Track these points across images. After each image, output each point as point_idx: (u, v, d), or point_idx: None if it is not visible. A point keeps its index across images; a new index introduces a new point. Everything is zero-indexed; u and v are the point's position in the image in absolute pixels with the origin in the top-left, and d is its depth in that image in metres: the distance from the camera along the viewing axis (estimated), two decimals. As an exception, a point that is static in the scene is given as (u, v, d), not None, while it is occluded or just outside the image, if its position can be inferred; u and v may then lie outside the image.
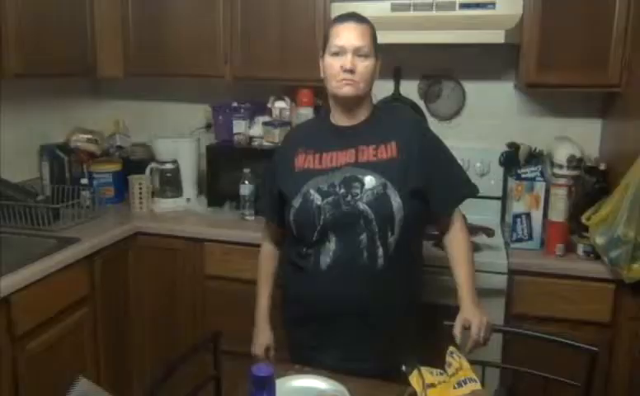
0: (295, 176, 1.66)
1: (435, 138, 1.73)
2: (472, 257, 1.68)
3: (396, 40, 2.32)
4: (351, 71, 1.56)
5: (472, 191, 1.73)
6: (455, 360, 1.44)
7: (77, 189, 2.63)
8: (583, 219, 2.14)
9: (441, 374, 1.42)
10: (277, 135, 2.64)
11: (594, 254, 2.13)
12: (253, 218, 2.58)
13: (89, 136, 2.92)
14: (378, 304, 1.60)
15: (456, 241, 1.67)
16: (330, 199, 1.58)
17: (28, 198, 2.43)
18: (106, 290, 2.40)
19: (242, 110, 2.76)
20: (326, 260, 1.60)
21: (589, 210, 2.15)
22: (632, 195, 1.93)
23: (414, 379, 1.38)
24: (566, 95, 2.54)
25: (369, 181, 1.58)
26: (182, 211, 2.76)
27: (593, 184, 2.32)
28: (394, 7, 2.34)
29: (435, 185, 1.63)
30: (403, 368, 1.42)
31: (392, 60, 2.68)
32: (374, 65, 1.61)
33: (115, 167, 2.88)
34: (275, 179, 1.74)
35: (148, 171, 2.79)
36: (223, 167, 2.71)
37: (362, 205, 1.57)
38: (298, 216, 1.62)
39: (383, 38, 2.39)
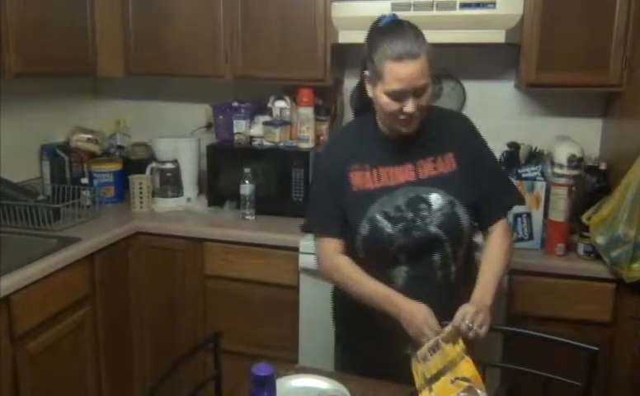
0: (356, 199, 1.57)
1: (483, 141, 1.67)
2: (505, 264, 1.59)
3: (396, 39, 2.32)
4: (413, 114, 1.47)
5: (518, 200, 1.71)
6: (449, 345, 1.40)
7: (78, 189, 2.64)
8: (583, 219, 2.14)
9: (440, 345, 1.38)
10: (277, 135, 2.64)
11: (594, 254, 2.13)
12: (253, 218, 2.59)
13: (89, 136, 2.92)
14: (448, 314, 1.52)
15: (492, 245, 1.61)
16: (400, 225, 1.51)
17: (28, 198, 2.43)
18: (107, 290, 2.40)
19: (243, 110, 2.76)
20: (398, 280, 1.55)
21: (589, 210, 2.15)
22: (632, 194, 1.93)
23: (415, 365, 1.38)
24: (566, 94, 2.54)
25: (436, 200, 1.52)
26: (183, 211, 2.76)
27: (593, 183, 2.31)
28: (394, 7, 2.33)
29: (485, 192, 1.59)
30: (409, 351, 1.41)
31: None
32: (431, 86, 1.49)
33: (116, 166, 2.88)
34: (334, 192, 1.60)
35: (148, 170, 2.80)
36: (224, 166, 2.71)
37: (434, 228, 1.52)
38: (367, 244, 1.55)
39: (384, 37, 2.38)
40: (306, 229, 1.76)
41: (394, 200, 1.54)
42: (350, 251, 1.61)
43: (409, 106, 1.45)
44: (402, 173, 1.56)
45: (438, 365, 1.37)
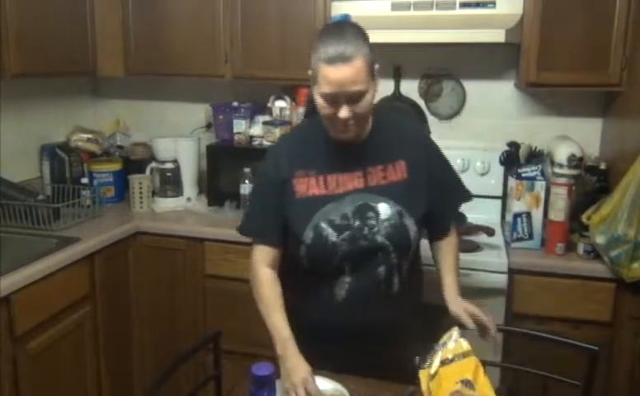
0: (299, 206, 1.51)
1: (436, 147, 1.65)
2: (457, 263, 1.66)
3: (396, 39, 2.32)
4: (348, 120, 1.41)
5: (465, 198, 1.70)
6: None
7: (78, 188, 2.64)
8: (583, 219, 2.14)
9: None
10: (277, 135, 2.64)
11: (594, 253, 2.13)
12: (253, 217, 2.59)
13: (89, 136, 2.92)
14: (392, 324, 1.54)
15: (444, 246, 1.66)
16: (346, 234, 1.47)
17: (28, 198, 2.43)
18: (107, 290, 2.40)
19: (243, 110, 2.76)
20: (341, 293, 1.52)
21: (589, 209, 2.15)
22: (632, 194, 1.93)
23: (424, 374, 1.37)
24: (566, 94, 2.54)
25: (384, 209, 1.49)
26: (182, 211, 2.76)
27: (593, 183, 2.31)
28: (394, 6, 2.33)
29: (437, 202, 1.58)
30: (417, 359, 1.39)
31: (392, 59, 2.68)
32: (373, 93, 1.42)
33: (116, 166, 2.88)
34: (275, 198, 1.54)
35: (148, 170, 2.80)
36: (224, 166, 2.71)
37: (380, 238, 1.48)
38: (311, 253, 1.50)
39: (384, 37, 2.38)
40: (242, 231, 1.64)
41: (341, 207, 1.49)
42: (292, 261, 1.57)
43: (342, 112, 1.39)
44: (351, 180, 1.50)
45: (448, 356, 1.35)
